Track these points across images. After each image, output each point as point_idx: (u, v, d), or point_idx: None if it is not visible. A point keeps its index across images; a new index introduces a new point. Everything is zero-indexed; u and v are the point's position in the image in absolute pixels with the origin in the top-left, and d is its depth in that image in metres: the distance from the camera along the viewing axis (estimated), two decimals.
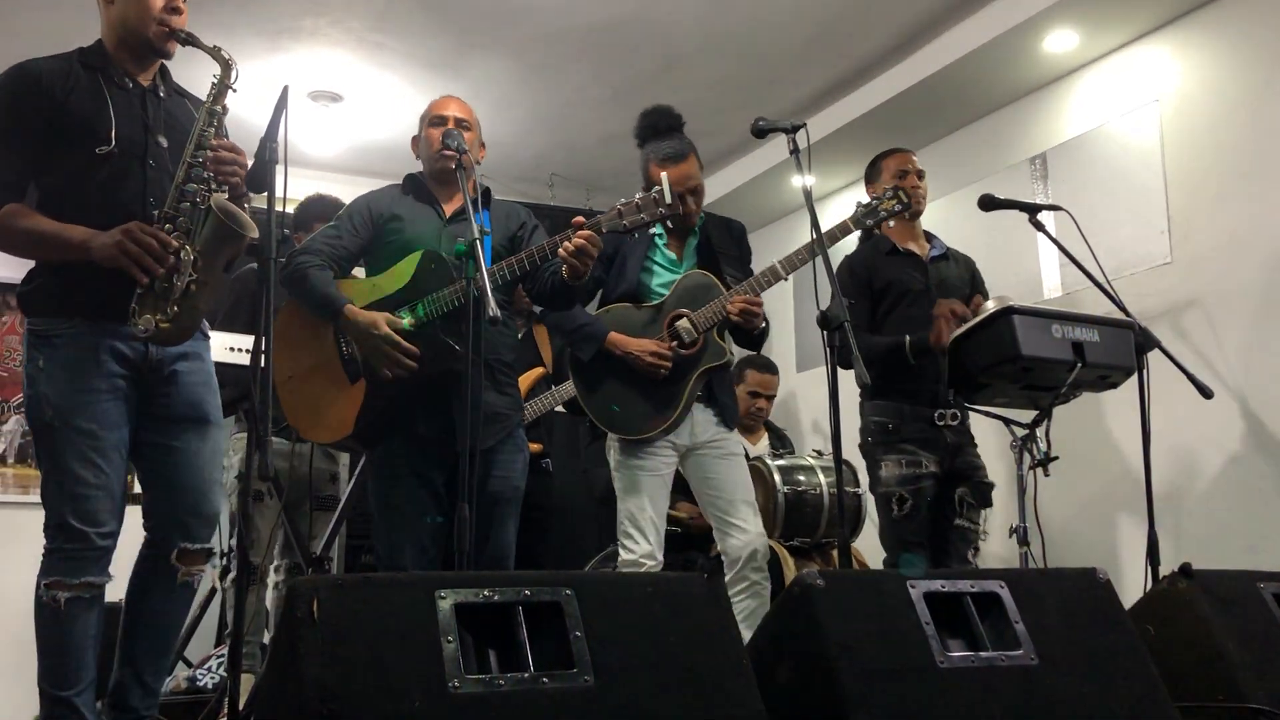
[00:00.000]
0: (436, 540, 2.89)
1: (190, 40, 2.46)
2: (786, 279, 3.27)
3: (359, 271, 3.13)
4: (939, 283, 3.62)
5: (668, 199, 2.75)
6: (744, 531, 3.21)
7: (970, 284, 3.74)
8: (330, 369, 2.96)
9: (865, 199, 3.33)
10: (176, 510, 2.49)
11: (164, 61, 2.57)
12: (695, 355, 3.22)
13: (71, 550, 2.34)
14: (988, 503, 3.57)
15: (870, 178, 3.79)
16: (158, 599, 2.50)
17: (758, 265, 3.42)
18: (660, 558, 3.19)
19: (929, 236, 3.75)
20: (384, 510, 2.92)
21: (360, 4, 4.48)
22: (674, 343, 3.21)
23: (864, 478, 4.21)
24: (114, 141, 2.40)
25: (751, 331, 3.25)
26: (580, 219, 2.76)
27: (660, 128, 3.38)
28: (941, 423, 3.48)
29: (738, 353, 3.67)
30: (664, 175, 2.85)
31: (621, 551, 3.22)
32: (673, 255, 3.37)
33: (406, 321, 2.84)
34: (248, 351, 2.80)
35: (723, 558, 3.26)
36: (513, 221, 3.09)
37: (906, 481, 3.44)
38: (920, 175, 3.66)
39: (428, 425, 2.88)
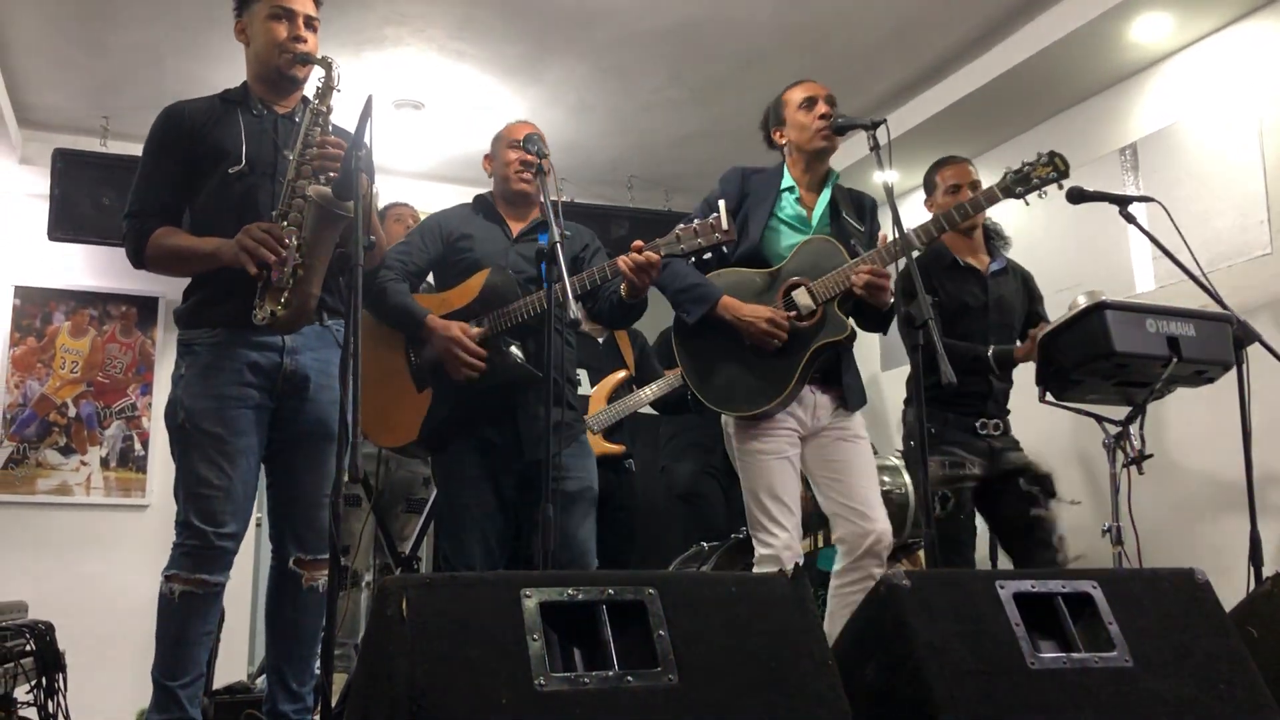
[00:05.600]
0: (503, 543, 2.99)
1: (305, 59, 2.64)
2: (919, 250, 2.94)
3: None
4: (998, 299, 3.57)
5: (724, 225, 2.76)
6: (867, 519, 2.92)
7: (1027, 298, 3.67)
8: (399, 378, 3.11)
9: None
10: (292, 521, 2.64)
11: (305, 94, 2.74)
12: (812, 328, 2.93)
13: (191, 547, 2.47)
14: (1053, 492, 3.53)
15: (928, 190, 3.73)
16: (289, 608, 2.63)
17: None
18: (798, 547, 2.91)
19: (990, 249, 3.68)
20: (452, 511, 3.04)
21: (440, 13, 4.55)
22: (791, 313, 2.94)
23: None
24: (244, 160, 2.60)
25: (880, 309, 2.95)
26: (639, 243, 2.81)
27: None
28: (984, 432, 3.47)
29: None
30: (721, 203, 2.80)
31: (757, 546, 2.94)
32: (802, 211, 3.09)
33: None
34: None
35: (838, 546, 2.98)
36: (576, 243, 3.19)
37: (949, 481, 3.44)
38: (975, 187, 3.52)
39: (496, 433, 3.00)
